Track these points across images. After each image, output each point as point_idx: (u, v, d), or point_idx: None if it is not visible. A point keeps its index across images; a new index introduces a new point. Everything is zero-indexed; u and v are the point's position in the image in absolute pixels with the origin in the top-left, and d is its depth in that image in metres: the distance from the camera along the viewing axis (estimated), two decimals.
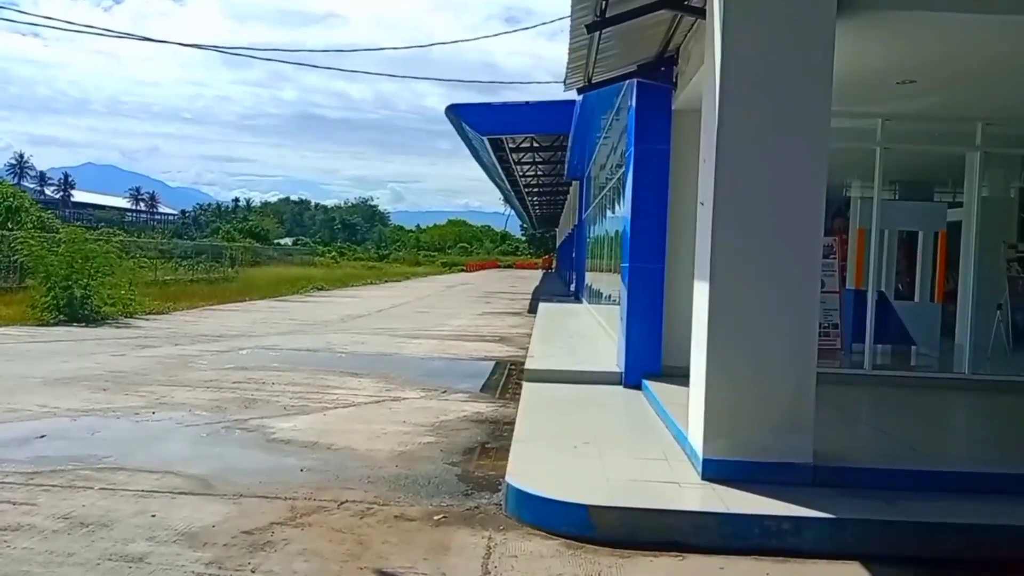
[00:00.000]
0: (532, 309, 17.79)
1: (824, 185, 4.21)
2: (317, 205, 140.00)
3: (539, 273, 58.56)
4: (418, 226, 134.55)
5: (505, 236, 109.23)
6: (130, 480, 4.43)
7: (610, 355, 8.17)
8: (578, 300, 19.98)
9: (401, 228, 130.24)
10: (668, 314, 7.13)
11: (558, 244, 57.76)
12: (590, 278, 16.91)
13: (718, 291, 4.28)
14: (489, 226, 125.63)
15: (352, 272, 36.91)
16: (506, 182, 27.94)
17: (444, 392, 7.38)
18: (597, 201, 14.76)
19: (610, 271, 11.62)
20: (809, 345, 4.22)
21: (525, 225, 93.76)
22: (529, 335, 11.72)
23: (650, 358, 7.07)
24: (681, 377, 5.96)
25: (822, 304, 7.59)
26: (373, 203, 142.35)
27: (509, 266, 78.65)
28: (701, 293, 4.46)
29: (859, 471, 4.26)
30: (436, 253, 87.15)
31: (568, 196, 31.39)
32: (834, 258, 7.91)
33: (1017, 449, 4.95)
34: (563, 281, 35.31)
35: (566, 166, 20.42)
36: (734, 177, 4.26)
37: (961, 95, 6.33)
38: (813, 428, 4.22)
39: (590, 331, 11.87)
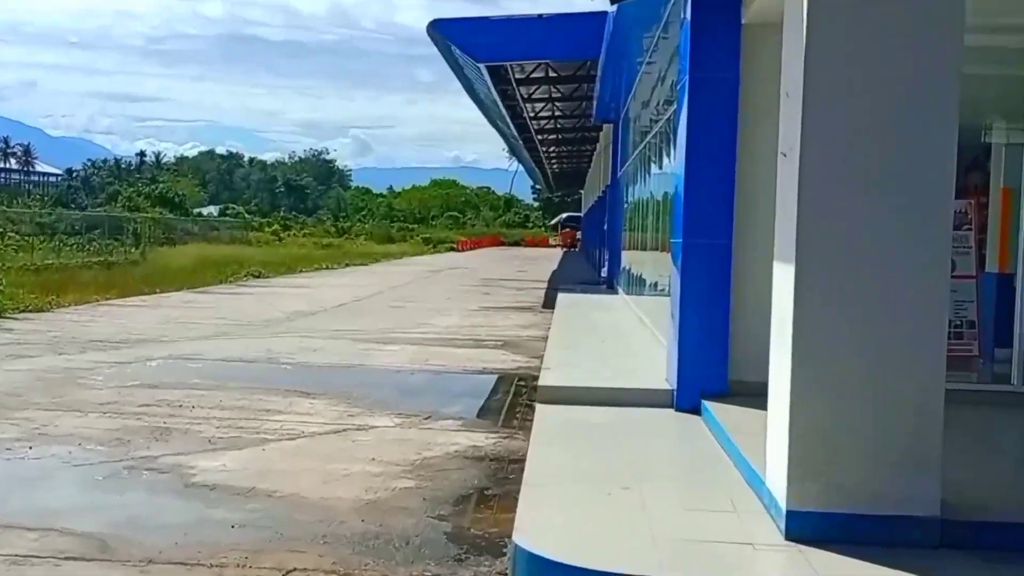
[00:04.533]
0: (548, 303, 17.80)
1: (956, 127, 4.15)
2: (253, 161, 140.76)
3: (557, 252, 58.76)
4: (391, 188, 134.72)
5: (511, 202, 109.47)
6: None
7: (657, 366, 8.15)
8: (612, 289, 20.01)
9: (368, 191, 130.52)
10: (737, 309, 7.12)
11: (584, 212, 58.08)
12: (628, 259, 16.91)
13: (808, 277, 4.23)
14: (489, 188, 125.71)
15: (301, 253, 37.04)
16: (512, 127, 27.96)
17: (428, 418, 7.37)
18: (638, 152, 14.72)
19: (656, 249, 11.59)
20: (936, 351, 4.18)
21: (539, 187, 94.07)
22: (544, 339, 11.72)
23: (712, 370, 7.06)
24: (755, 396, 5.88)
25: (952, 294, 7.49)
26: (329, 157, 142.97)
27: (516, 243, 79.08)
28: (784, 280, 4.41)
29: (1005, 528, 4.20)
30: (416, 225, 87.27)
31: (597, 146, 31.40)
32: (969, 229, 7.71)
33: None
34: (591, 263, 35.36)
35: (594, 104, 20.36)
36: (830, 116, 4.20)
37: None
38: (941, 467, 4.18)
39: (629, 333, 11.86)
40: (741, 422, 6.04)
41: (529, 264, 40.27)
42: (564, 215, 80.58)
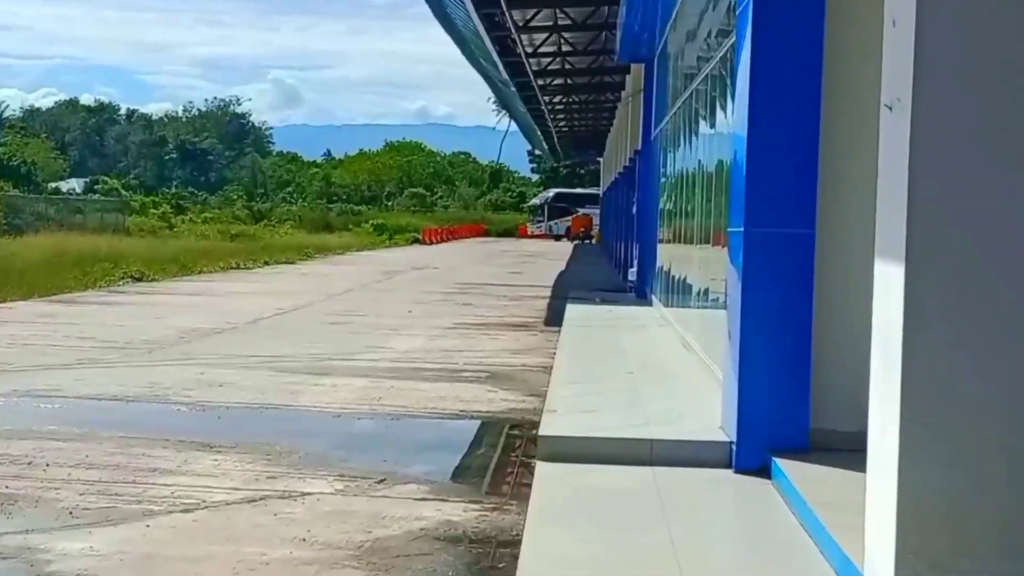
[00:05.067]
0: (554, 318, 17.78)
1: None
2: (133, 115, 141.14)
3: (564, 247, 58.88)
4: (328, 155, 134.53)
5: (499, 174, 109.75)
6: None
7: (708, 408, 8.16)
8: (643, 299, 20.05)
9: (296, 159, 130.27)
10: (823, 327, 7.15)
11: (602, 190, 58.06)
12: (667, 256, 16.95)
13: (924, 283, 4.22)
14: (468, 155, 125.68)
15: (201, 246, 37.03)
16: (502, 68, 28.04)
17: (381, 482, 7.34)
18: (680, 104, 14.75)
19: (707, 242, 11.61)
20: None
21: (539, 153, 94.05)
22: (548, 369, 11.66)
23: (787, 415, 7.08)
24: (848, 453, 5.87)
25: None
26: (241, 110, 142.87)
27: (507, 232, 79.14)
28: (888, 286, 4.40)
29: None
30: (364, 207, 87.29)
31: (622, 96, 31.44)
32: None
33: None
34: (613, 261, 35.41)
35: (618, 36, 20.42)
36: (956, 50, 4.19)
37: None
38: None
39: (668, 360, 11.85)
40: (828, 490, 6.04)
41: (526, 263, 40.28)
42: (551, 192, 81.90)
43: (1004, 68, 4.20)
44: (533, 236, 75.46)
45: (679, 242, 15.00)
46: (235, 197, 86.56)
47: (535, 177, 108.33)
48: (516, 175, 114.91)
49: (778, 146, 7.18)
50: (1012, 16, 4.18)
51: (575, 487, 6.73)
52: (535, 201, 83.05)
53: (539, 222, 78.23)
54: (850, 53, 7.09)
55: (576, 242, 66.58)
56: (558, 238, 73.38)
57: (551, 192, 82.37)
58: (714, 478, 6.98)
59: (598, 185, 65.66)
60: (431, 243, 58.61)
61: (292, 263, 35.03)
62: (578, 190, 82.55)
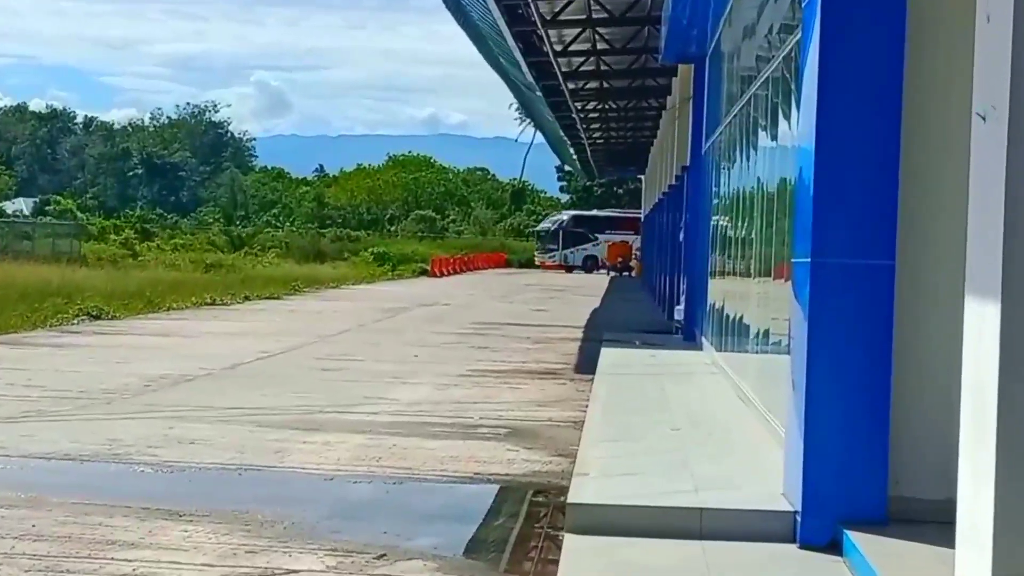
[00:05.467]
0: (586, 364, 17.78)
1: None
2: (92, 123, 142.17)
3: (599, 280, 58.77)
4: (321, 171, 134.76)
5: (522, 194, 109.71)
6: None
7: (769, 472, 8.16)
8: (692, 341, 20.01)
9: (282, 175, 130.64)
10: (903, 377, 7.14)
11: (644, 213, 57.69)
12: (720, 291, 16.96)
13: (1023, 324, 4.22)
14: (486, 172, 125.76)
15: (171, 277, 37.19)
16: (525, 68, 28.13)
17: (381, 558, 7.33)
18: (736, 112, 14.78)
19: (766, 274, 11.60)
20: None
21: (569, 169, 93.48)
22: (578, 424, 11.64)
23: (861, 479, 7.05)
24: (933, 526, 5.84)
25: None
26: (218, 118, 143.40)
27: (531, 262, 79.02)
28: (981, 328, 4.40)
29: None
30: (363, 233, 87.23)
31: (667, 105, 31.45)
32: None
33: None
34: (656, 297, 35.26)
35: (663, 31, 20.49)
36: None
37: None
38: None
39: (721, 414, 11.81)
40: (909, 569, 6.01)
41: (553, 298, 40.24)
42: (565, 215, 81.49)
43: None
44: (546, 267, 75.52)
45: (734, 275, 14.98)
46: (211, 220, 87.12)
47: (565, 198, 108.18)
48: (542, 195, 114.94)
49: (851, 161, 7.16)
50: None
51: (610, 565, 6.70)
52: (545, 225, 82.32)
53: (551, 250, 77.74)
54: (935, 52, 7.09)
55: (613, 274, 66.53)
56: (570, 269, 73.49)
57: (565, 215, 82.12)
58: (775, 554, 6.93)
59: (639, 207, 65.62)
60: (441, 275, 58.63)
61: (277, 298, 35.05)
62: (602, 212, 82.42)
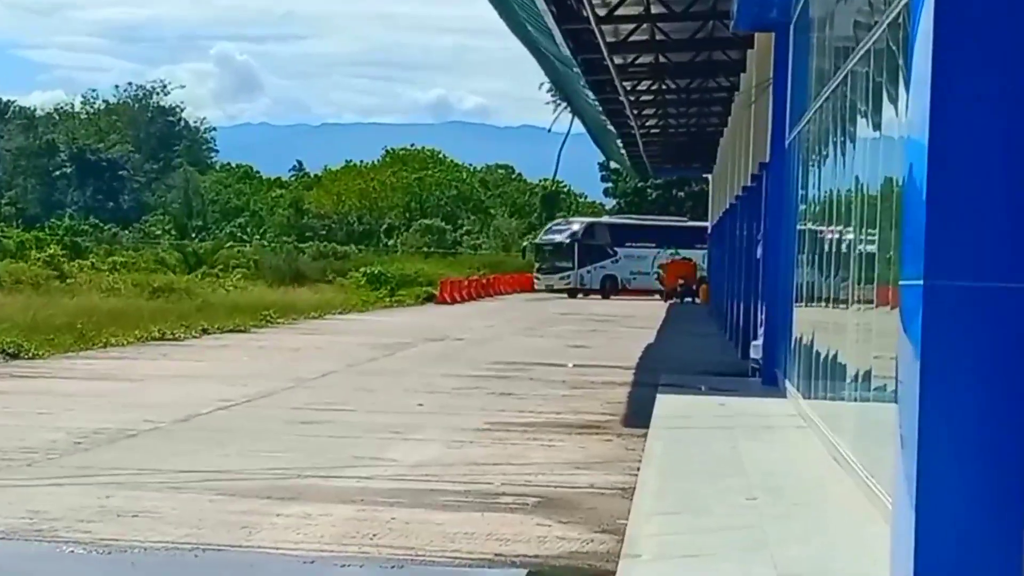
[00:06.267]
0: (637, 415, 17.75)
1: None
2: (8, 109, 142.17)
3: (653, 307, 58.65)
4: (299, 168, 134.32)
5: (555, 198, 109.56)
6: None
7: (870, 554, 8.16)
8: (771, 385, 19.97)
9: (251, 174, 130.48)
10: None
11: (710, 225, 57.19)
12: (807, 320, 16.96)
13: None
14: (510, 170, 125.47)
15: (108, 305, 37.09)
16: (559, 38, 28.08)
17: None
18: (830, 94, 14.78)
19: (867, 301, 11.57)
20: None
21: (616, 165, 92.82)
22: (627, 492, 11.66)
23: (988, 566, 7.02)
24: None
25: None
26: (169, 102, 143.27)
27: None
28: None
29: None
30: (353, 248, 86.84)
31: (741, 85, 31.38)
32: None
33: None
34: (725, 327, 35.05)
35: None
36: None
37: None
38: None
39: (809, 479, 11.78)
40: None
41: (596, 331, 40.16)
42: (575, 222, 77.83)
43: None
44: (553, 290, 74.09)
45: (826, 300, 14.94)
46: (159, 232, 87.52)
47: (610, 203, 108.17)
48: (581, 199, 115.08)
49: (976, 155, 7.12)
50: None
51: None
52: (553, 237, 79.63)
53: (563, 271, 75.68)
54: None
55: (672, 300, 66.36)
56: (575, 294, 72.85)
57: (577, 223, 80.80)
58: None
59: (704, 214, 65.46)
60: (453, 302, 58.67)
61: (244, 331, 35.11)
62: (630, 217, 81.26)
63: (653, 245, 73.22)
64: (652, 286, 71.80)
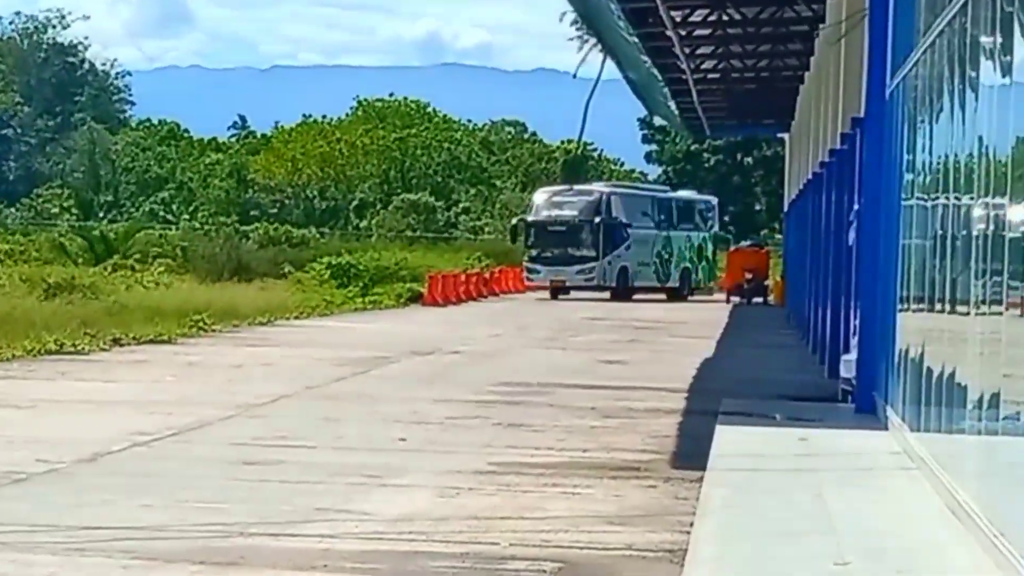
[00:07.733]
0: (690, 453, 17.80)
1: None
2: None
3: (713, 310, 58.76)
4: (242, 125, 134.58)
5: (582, 164, 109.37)
6: None
7: None
8: (867, 412, 20.01)
9: (176, 133, 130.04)
10: None
11: (788, 202, 57.24)
12: (916, 328, 17.04)
13: None
14: (521, 128, 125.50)
15: None
16: None
17: None
18: (941, 30, 14.80)
19: (994, 303, 11.59)
20: None
21: (662, 121, 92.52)
22: (676, 555, 11.74)
23: None
24: None
25: None
26: (69, 38, 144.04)
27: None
28: None
29: None
30: (314, 231, 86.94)
31: (827, 19, 31.51)
32: None
33: None
34: (806, 337, 35.11)
35: None
36: None
37: None
38: None
39: (918, 539, 11.84)
40: None
41: (635, 341, 40.32)
42: (596, 189, 73.20)
43: None
44: (561, 289, 71.07)
45: (942, 302, 14.95)
46: (56, 210, 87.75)
47: (654, 171, 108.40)
48: (617, 166, 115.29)
49: None
50: None
51: None
52: (561, 212, 73.44)
53: (582, 261, 70.84)
54: None
55: (735, 300, 66.56)
56: (600, 288, 69.97)
57: (597, 189, 75.93)
58: None
59: (780, 185, 65.56)
60: (446, 303, 58.75)
61: (169, 342, 35.31)
62: (636, 188, 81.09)
63: (652, 226, 71.90)
64: (652, 283, 70.95)
